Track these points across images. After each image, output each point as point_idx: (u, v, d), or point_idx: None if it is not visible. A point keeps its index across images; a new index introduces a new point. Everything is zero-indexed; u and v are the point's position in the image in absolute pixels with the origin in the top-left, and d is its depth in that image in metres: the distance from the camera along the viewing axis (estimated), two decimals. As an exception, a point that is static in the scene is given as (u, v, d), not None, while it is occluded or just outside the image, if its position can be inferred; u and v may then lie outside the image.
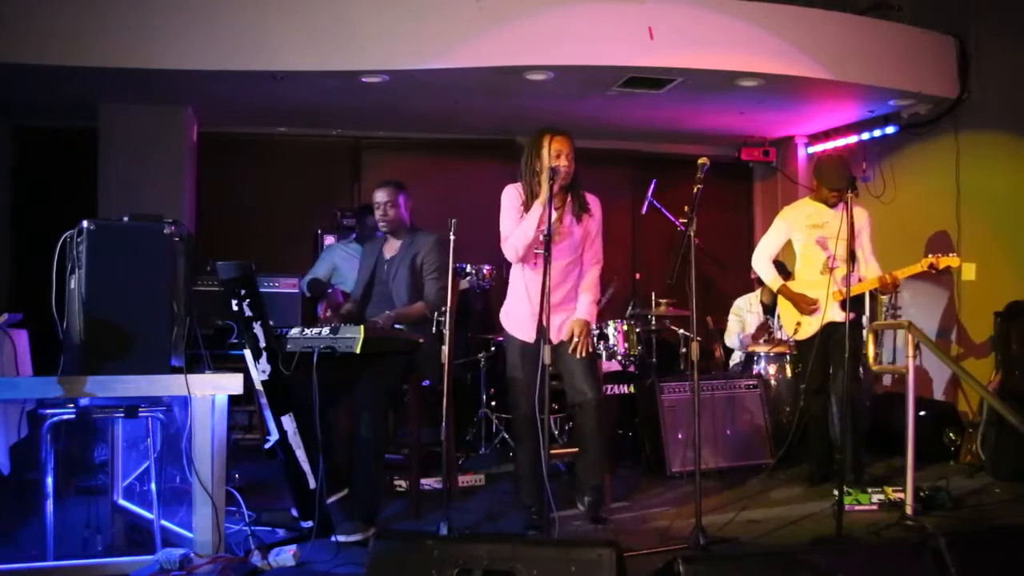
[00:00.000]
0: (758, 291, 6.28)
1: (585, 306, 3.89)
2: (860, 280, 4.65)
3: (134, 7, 5.08)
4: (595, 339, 4.59)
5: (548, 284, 3.42)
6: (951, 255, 4.53)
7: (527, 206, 3.78)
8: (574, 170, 3.79)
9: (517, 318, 3.87)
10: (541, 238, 3.53)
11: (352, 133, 7.30)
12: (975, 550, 2.78)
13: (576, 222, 3.85)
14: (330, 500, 3.66)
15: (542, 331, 3.42)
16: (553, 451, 3.98)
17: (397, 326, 4.12)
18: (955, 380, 6.01)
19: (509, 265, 3.99)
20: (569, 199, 3.85)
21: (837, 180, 4.54)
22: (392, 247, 4.40)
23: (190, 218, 6.42)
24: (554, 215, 3.63)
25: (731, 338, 6.33)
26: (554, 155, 3.71)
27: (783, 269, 5.11)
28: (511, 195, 3.84)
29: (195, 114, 6.49)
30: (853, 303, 4.04)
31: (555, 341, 3.81)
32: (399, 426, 5.28)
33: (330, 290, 5.67)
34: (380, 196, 4.33)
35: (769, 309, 6.12)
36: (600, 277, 3.99)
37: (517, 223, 3.78)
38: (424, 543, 2.71)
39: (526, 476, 3.85)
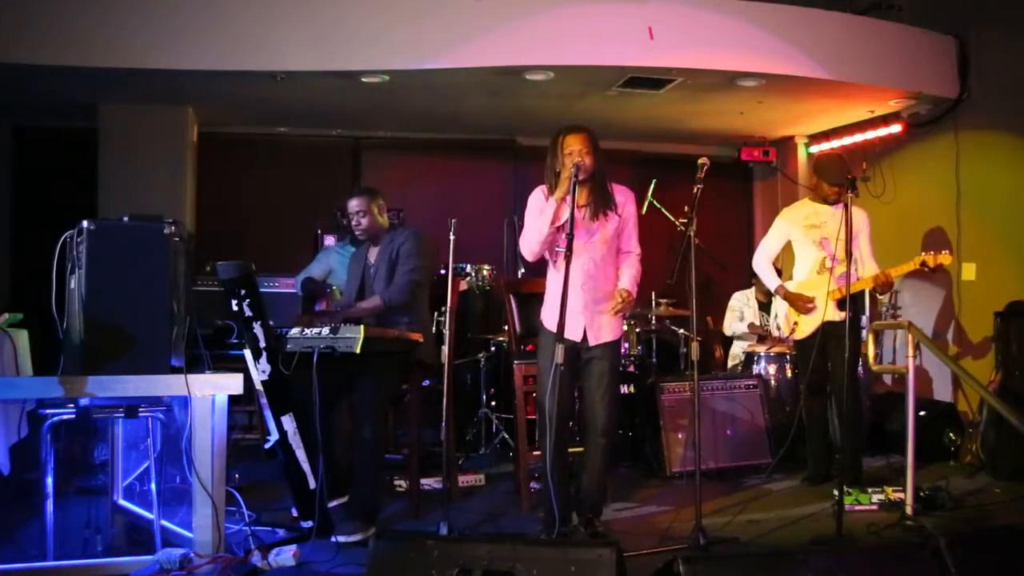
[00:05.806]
0: (754, 288, 6.29)
1: (626, 279, 3.77)
2: (857, 280, 4.65)
3: (134, 7, 5.08)
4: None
5: (568, 281, 3.36)
6: (944, 252, 4.48)
7: None
8: (595, 166, 3.62)
9: (550, 315, 3.72)
10: (563, 236, 3.45)
11: (352, 133, 7.30)
12: (975, 550, 2.77)
13: (601, 217, 3.69)
14: (331, 505, 3.66)
15: (561, 329, 3.33)
16: (571, 450, 3.90)
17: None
18: (955, 380, 6.00)
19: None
20: (592, 194, 3.69)
21: (837, 176, 4.54)
22: (374, 251, 4.33)
23: (190, 218, 6.42)
24: (574, 212, 3.51)
25: (730, 328, 6.33)
26: (566, 153, 3.59)
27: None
28: (535, 196, 3.74)
29: (195, 114, 6.49)
30: (853, 303, 4.03)
31: (592, 342, 3.68)
32: (399, 426, 5.28)
33: (328, 291, 5.67)
34: (353, 206, 4.23)
35: (764, 306, 6.13)
36: (638, 263, 3.81)
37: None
38: (424, 543, 2.72)
39: (548, 476, 3.62)
